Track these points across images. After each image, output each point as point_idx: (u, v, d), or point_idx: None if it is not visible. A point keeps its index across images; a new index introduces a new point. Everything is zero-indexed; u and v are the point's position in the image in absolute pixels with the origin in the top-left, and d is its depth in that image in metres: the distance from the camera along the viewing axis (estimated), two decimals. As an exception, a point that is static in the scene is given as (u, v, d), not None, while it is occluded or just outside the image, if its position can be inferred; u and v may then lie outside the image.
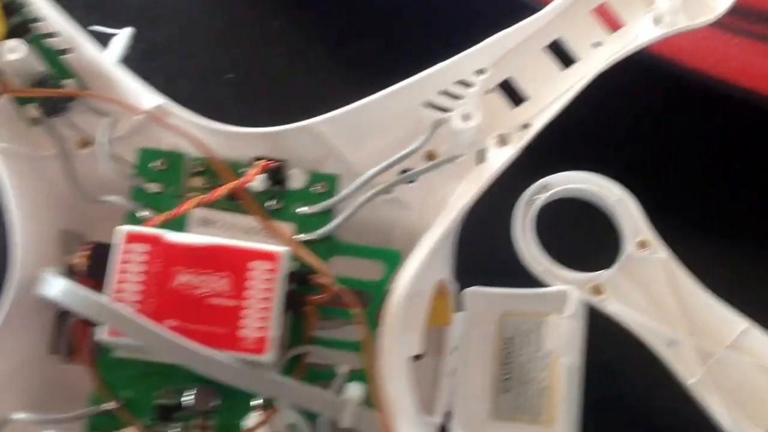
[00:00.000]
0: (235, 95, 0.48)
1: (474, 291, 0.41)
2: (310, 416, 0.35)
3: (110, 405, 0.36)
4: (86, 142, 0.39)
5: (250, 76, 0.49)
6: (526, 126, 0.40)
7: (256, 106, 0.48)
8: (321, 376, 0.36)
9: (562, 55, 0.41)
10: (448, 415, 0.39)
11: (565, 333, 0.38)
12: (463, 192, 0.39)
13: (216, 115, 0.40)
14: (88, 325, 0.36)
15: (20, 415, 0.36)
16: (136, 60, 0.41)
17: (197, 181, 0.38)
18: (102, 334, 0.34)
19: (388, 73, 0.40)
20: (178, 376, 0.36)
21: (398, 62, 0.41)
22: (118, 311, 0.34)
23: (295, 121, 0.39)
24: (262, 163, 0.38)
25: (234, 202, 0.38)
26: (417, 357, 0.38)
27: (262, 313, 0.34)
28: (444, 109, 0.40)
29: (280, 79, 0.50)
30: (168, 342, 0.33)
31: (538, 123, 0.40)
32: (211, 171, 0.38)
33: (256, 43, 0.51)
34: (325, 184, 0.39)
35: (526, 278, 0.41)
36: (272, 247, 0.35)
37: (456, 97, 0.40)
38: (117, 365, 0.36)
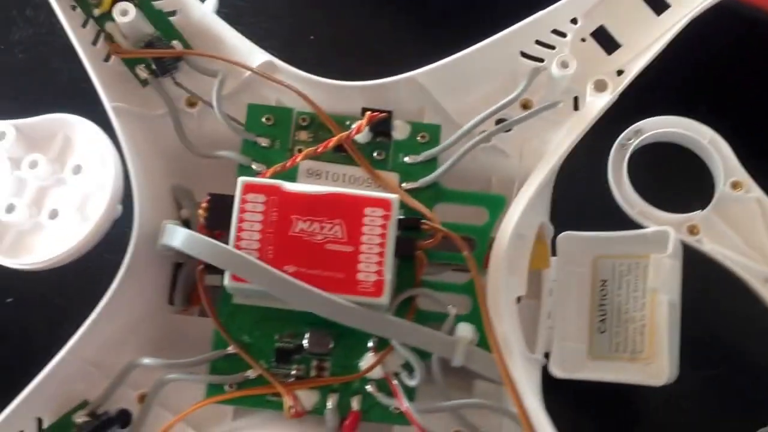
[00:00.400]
0: (319, 55, 0.49)
1: (568, 235, 0.42)
2: (423, 356, 0.37)
3: (231, 349, 0.37)
4: (193, 101, 0.40)
5: (332, 37, 0.50)
6: (620, 72, 0.41)
7: (339, 66, 0.49)
8: (430, 318, 0.38)
9: (655, 2, 0.41)
10: (546, 356, 0.40)
11: (667, 271, 0.39)
12: (562, 138, 0.40)
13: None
14: (205, 273, 0.37)
15: (146, 360, 0.37)
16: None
17: (303, 135, 0.40)
18: (225, 281, 0.35)
19: (467, 31, 0.41)
20: (295, 320, 0.37)
21: (479, 19, 0.41)
22: (242, 257, 0.35)
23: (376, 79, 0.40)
24: (369, 114, 0.38)
25: (339, 154, 0.39)
26: (517, 299, 0.39)
27: (377, 258, 0.36)
28: (539, 59, 0.41)
29: (361, 39, 0.50)
30: (291, 286, 0.35)
31: (633, 69, 0.40)
32: (317, 124, 0.40)
33: (337, 3, 0.51)
34: (427, 134, 0.40)
35: (614, 222, 0.42)
36: (384, 194, 0.36)
37: (551, 46, 0.41)
38: (236, 311, 0.38)
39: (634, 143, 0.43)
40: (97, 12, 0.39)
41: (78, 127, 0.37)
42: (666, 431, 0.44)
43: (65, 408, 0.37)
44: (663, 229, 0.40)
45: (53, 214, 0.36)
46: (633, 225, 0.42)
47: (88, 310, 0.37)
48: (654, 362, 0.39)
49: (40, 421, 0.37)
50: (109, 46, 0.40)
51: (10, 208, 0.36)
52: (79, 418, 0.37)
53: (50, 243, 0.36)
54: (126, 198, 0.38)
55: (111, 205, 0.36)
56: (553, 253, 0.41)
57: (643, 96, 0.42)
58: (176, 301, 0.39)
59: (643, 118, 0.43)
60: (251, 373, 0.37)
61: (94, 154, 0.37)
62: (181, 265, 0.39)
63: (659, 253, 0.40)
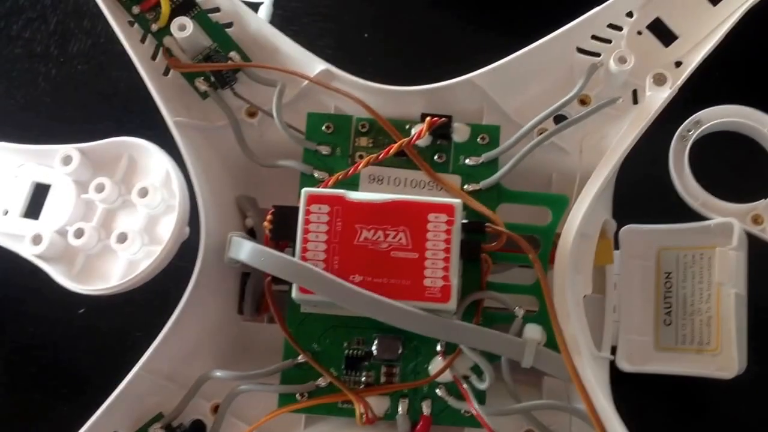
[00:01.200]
0: (373, 53, 0.49)
1: (631, 228, 0.42)
2: (491, 358, 0.37)
3: (302, 358, 0.38)
4: (253, 112, 0.41)
5: (386, 35, 0.50)
6: (678, 64, 0.40)
7: (394, 63, 0.49)
8: (497, 319, 0.38)
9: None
10: (612, 350, 0.40)
11: (733, 264, 0.39)
12: (622, 134, 0.39)
13: (361, 74, 0.41)
14: (273, 283, 0.38)
15: (219, 373, 0.38)
16: (276, 25, 0.42)
17: (363, 141, 0.40)
18: (294, 293, 0.36)
19: (522, 28, 0.41)
20: (363, 327, 0.38)
21: (534, 16, 0.41)
22: (309, 269, 0.35)
23: (432, 77, 0.40)
24: (430, 119, 0.39)
25: (401, 158, 0.39)
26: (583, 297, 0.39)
27: (443, 263, 0.36)
28: (596, 54, 0.41)
29: (415, 35, 0.50)
30: (359, 296, 0.35)
31: (692, 60, 0.40)
32: (376, 129, 0.40)
33: (390, 1, 0.51)
34: (487, 135, 0.40)
35: (677, 214, 0.42)
36: (447, 199, 0.37)
37: (607, 41, 0.41)
38: (305, 320, 0.38)
39: (695, 134, 0.42)
40: (154, 27, 0.40)
41: (142, 149, 0.38)
42: (732, 422, 0.44)
43: (141, 421, 0.38)
44: (727, 220, 0.40)
45: (122, 238, 0.36)
46: (696, 217, 0.42)
47: (159, 319, 0.38)
48: (722, 354, 0.39)
49: (117, 435, 0.38)
50: (167, 61, 0.40)
51: (78, 233, 0.36)
52: (155, 431, 0.38)
53: (120, 267, 0.37)
54: (192, 208, 0.38)
55: (179, 227, 0.36)
56: (616, 247, 0.41)
57: (702, 86, 0.41)
58: (246, 310, 0.40)
59: (702, 109, 0.43)
60: (322, 381, 0.37)
61: (159, 176, 0.37)
62: (248, 274, 0.40)
63: (724, 245, 0.40)
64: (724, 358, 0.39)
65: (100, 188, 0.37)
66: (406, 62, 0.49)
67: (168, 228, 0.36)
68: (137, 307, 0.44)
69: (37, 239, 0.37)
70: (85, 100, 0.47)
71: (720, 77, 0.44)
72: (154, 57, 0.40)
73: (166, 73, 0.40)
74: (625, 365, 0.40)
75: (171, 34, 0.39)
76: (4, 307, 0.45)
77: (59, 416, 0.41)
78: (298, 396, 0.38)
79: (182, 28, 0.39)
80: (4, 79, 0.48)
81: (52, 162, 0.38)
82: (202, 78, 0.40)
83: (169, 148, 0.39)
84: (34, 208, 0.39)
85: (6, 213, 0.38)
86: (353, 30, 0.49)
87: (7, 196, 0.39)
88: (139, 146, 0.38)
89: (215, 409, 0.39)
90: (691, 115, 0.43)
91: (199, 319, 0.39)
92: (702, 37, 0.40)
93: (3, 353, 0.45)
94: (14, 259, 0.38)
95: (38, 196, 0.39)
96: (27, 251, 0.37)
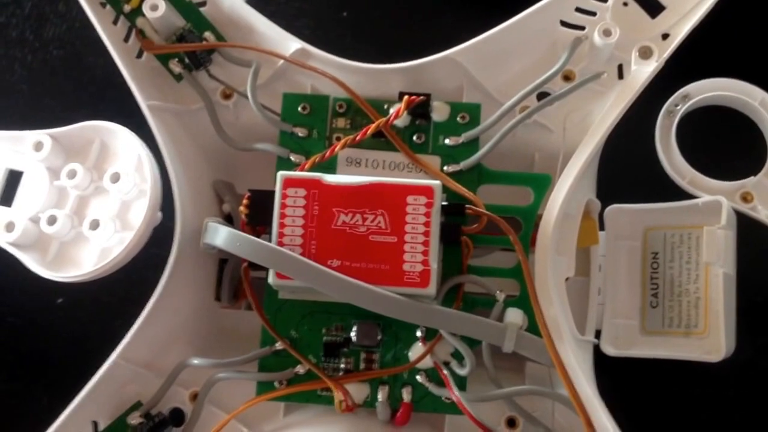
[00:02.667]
0: (352, 33, 0.48)
1: (616, 208, 0.41)
2: (472, 343, 0.36)
3: (280, 345, 0.37)
4: (228, 93, 0.40)
5: (365, 14, 0.49)
6: (665, 36, 0.39)
7: (374, 43, 0.48)
8: (478, 303, 0.37)
9: (698, -39, 0.40)
10: (597, 335, 0.40)
11: (721, 243, 0.38)
12: (607, 110, 0.38)
13: (340, 55, 0.40)
14: (250, 269, 0.37)
15: (196, 361, 0.37)
16: (253, 6, 0.41)
17: (341, 122, 0.39)
18: (270, 278, 0.35)
19: (503, 3, 0.40)
20: (342, 313, 0.37)
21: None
22: (286, 254, 0.35)
23: (410, 57, 0.39)
24: (408, 98, 0.38)
25: (378, 140, 0.38)
26: (565, 280, 0.38)
27: (422, 247, 0.35)
28: (580, 27, 0.40)
29: (395, 15, 0.49)
30: (337, 281, 0.34)
31: (679, 32, 0.39)
32: (354, 110, 0.39)
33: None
34: (467, 114, 0.39)
35: (664, 192, 0.41)
36: (427, 180, 0.36)
37: (592, 13, 0.40)
38: (282, 306, 0.37)
39: (682, 109, 0.41)
40: (127, 8, 0.39)
41: (113, 133, 0.37)
42: (721, 400, 0.43)
43: (120, 410, 0.38)
44: (715, 198, 0.39)
45: (94, 225, 0.35)
46: (683, 195, 0.41)
47: (137, 307, 0.37)
48: (709, 337, 0.38)
49: (95, 424, 0.37)
50: (140, 42, 0.39)
51: (51, 220, 0.36)
52: (134, 419, 0.37)
53: (93, 254, 0.36)
54: (167, 194, 0.37)
55: (151, 213, 0.35)
56: (601, 228, 0.41)
57: (690, 59, 0.40)
58: (223, 297, 0.39)
59: (691, 82, 0.42)
60: (300, 369, 0.37)
61: (131, 161, 0.37)
62: (226, 261, 0.39)
63: (712, 224, 0.39)
64: (712, 341, 0.38)
65: (72, 174, 0.36)
66: (385, 42, 0.48)
67: (140, 213, 0.36)
68: (116, 297, 0.43)
69: (10, 227, 0.36)
70: (61, 86, 0.47)
71: (709, 49, 0.43)
72: (126, 39, 0.39)
73: (139, 55, 0.39)
74: (610, 349, 0.39)
75: (143, 15, 0.39)
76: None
77: (38, 406, 0.41)
78: (276, 383, 0.37)
79: (154, 8, 0.38)
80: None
81: (24, 148, 0.37)
82: (176, 60, 0.39)
83: (146, 134, 0.38)
84: (7, 196, 0.38)
85: (-22, 200, 0.38)
86: (331, 9, 0.48)
87: (-20, 184, 0.38)
88: (111, 131, 0.37)
89: (194, 397, 0.38)
90: (678, 90, 0.42)
91: (176, 306, 0.38)
92: (690, 8, 0.39)
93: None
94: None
95: (11, 182, 0.38)
96: (0, 239, 0.36)
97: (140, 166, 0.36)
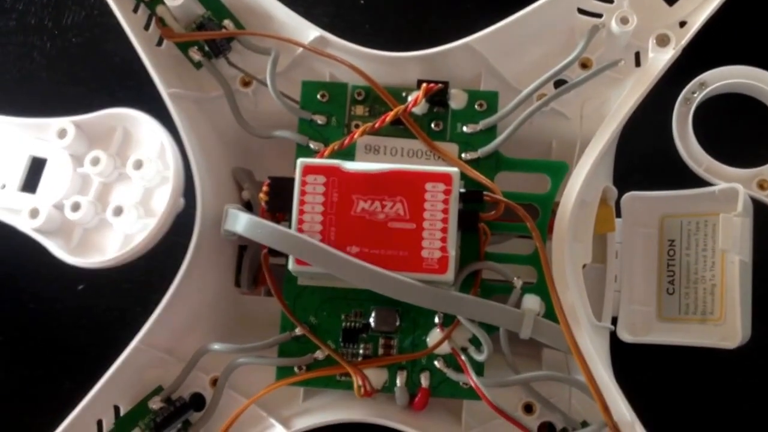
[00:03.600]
0: (370, 20, 0.48)
1: (633, 195, 0.41)
2: (490, 329, 0.36)
3: (298, 331, 0.37)
4: (247, 81, 0.40)
5: (382, 2, 0.49)
6: (683, 24, 0.39)
7: (392, 30, 0.48)
8: (495, 290, 0.37)
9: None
10: (613, 321, 0.40)
11: (738, 230, 0.38)
12: (624, 97, 0.39)
13: (358, 43, 0.40)
14: (270, 256, 0.37)
15: (216, 346, 0.38)
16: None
17: (359, 109, 0.39)
18: (290, 265, 0.35)
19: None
20: (360, 299, 0.38)
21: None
22: (305, 241, 0.35)
23: (427, 46, 0.39)
24: (426, 85, 0.38)
25: (396, 127, 0.39)
26: (582, 266, 0.39)
27: (440, 234, 0.35)
28: (597, 15, 0.40)
29: (409, 4, 0.49)
30: (356, 268, 0.35)
31: (697, 20, 0.39)
32: (372, 97, 0.39)
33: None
34: (484, 102, 0.39)
35: (680, 180, 0.41)
36: (444, 168, 0.36)
37: (609, 1, 0.40)
38: (302, 293, 0.38)
39: (699, 96, 0.42)
40: (147, -4, 0.39)
41: (136, 120, 0.37)
42: (737, 386, 0.43)
43: (141, 394, 0.38)
44: (732, 186, 0.39)
45: (117, 211, 0.36)
46: (700, 182, 0.41)
47: (156, 294, 0.38)
48: (725, 324, 0.39)
49: (117, 408, 0.38)
50: (160, 30, 0.39)
51: (75, 207, 0.36)
52: (155, 404, 0.38)
53: (116, 240, 0.36)
54: (188, 181, 0.38)
55: (174, 199, 0.36)
56: (618, 215, 0.41)
57: (706, 46, 0.40)
58: (242, 283, 0.40)
59: (707, 70, 0.42)
60: (320, 354, 0.37)
61: (154, 148, 0.37)
62: (245, 247, 0.40)
63: (729, 211, 0.39)
64: (728, 328, 0.38)
65: (95, 161, 0.37)
66: (403, 30, 0.48)
67: (163, 200, 0.36)
68: (135, 284, 0.44)
69: (34, 213, 0.37)
70: (79, 73, 0.47)
71: (725, 37, 0.43)
72: (146, 27, 0.39)
73: (159, 43, 0.40)
74: (626, 336, 0.39)
75: (164, 3, 0.39)
76: (3, 285, 0.45)
77: (60, 392, 0.41)
78: (296, 369, 0.37)
79: (174, -4, 0.39)
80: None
81: (48, 135, 0.38)
82: (196, 47, 0.39)
83: (164, 122, 0.38)
84: (31, 182, 0.38)
85: (3, 187, 0.38)
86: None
87: (4, 171, 0.39)
88: (134, 118, 0.37)
89: (214, 382, 0.38)
90: (695, 77, 0.42)
91: (196, 292, 0.38)
92: (707, -5, 0.39)
93: (4, 330, 0.45)
94: (14, 237, 0.38)
95: (35, 170, 0.39)
96: (25, 225, 0.37)
97: (163, 153, 0.36)
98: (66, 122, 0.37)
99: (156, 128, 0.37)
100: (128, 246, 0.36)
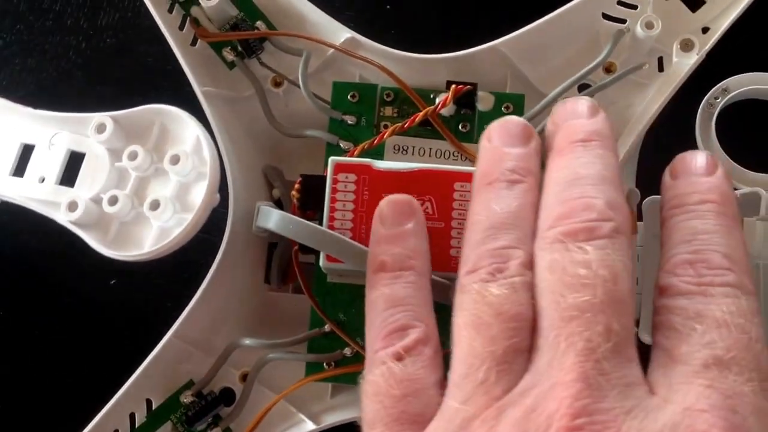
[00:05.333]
0: (398, 25, 0.49)
1: (655, 199, 0.41)
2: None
3: (328, 327, 0.38)
4: (279, 81, 0.41)
5: (409, 5, 0.49)
6: (706, 30, 0.40)
7: (418, 34, 0.49)
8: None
9: (741, -44, 0.40)
10: (635, 323, 0.40)
11: (760, 234, 0.39)
12: (647, 102, 0.39)
13: (384, 45, 0.41)
14: (300, 253, 0.38)
15: (247, 341, 0.38)
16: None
17: (388, 110, 0.40)
18: (321, 262, 0.36)
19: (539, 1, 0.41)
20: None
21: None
22: (337, 237, 0.35)
23: (452, 49, 0.40)
24: (455, 87, 0.39)
25: (425, 128, 0.39)
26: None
27: (469, 233, 0.36)
28: (621, 20, 0.40)
29: (439, 5, 0.50)
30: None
31: (720, 26, 0.40)
32: (401, 99, 0.40)
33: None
34: (511, 104, 0.40)
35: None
36: (472, 168, 0.36)
37: (633, 6, 0.40)
38: (331, 290, 0.38)
39: (722, 102, 0.42)
40: (182, -3, 0.40)
41: (173, 116, 0.38)
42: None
43: (172, 389, 0.39)
44: (754, 190, 0.39)
45: (154, 205, 0.36)
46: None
47: (188, 290, 0.38)
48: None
49: (149, 402, 0.38)
50: (195, 31, 0.40)
51: (113, 200, 0.37)
52: (186, 398, 0.38)
53: (152, 234, 0.37)
54: (220, 178, 0.38)
55: (210, 194, 0.36)
56: (639, 218, 0.41)
57: (730, 52, 0.41)
58: (272, 280, 0.40)
59: (730, 76, 0.43)
60: (348, 351, 0.38)
61: (190, 144, 0.37)
62: (275, 244, 0.40)
63: (751, 215, 0.39)
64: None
65: (133, 156, 0.37)
66: (429, 34, 0.48)
67: (199, 195, 0.37)
68: (167, 279, 0.44)
69: (72, 206, 0.37)
70: (114, 73, 0.48)
71: (748, 43, 0.44)
72: (181, 27, 0.40)
73: (193, 43, 0.40)
74: (647, 338, 0.40)
75: (198, 4, 0.40)
76: (39, 280, 0.46)
77: (93, 385, 0.42)
78: (325, 365, 0.38)
79: (208, -3, 0.39)
80: (37, 52, 0.48)
81: (86, 130, 0.38)
82: (230, 47, 0.40)
83: (198, 120, 0.39)
84: (69, 176, 0.39)
85: (42, 180, 0.39)
86: (375, 2, 0.49)
87: (43, 164, 0.39)
88: (171, 113, 0.38)
89: (244, 377, 0.39)
90: (718, 83, 0.42)
91: (227, 288, 0.39)
92: (730, 2, 0.40)
93: (39, 323, 0.45)
94: (49, 233, 0.39)
95: (73, 164, 0.39)
96: (63, 218, 0.37)
97: (199, 148, 0.37)
98: (105, 117, 0.38)
99: (192, 124, 0.37)
100: (165, 240, 0.36)
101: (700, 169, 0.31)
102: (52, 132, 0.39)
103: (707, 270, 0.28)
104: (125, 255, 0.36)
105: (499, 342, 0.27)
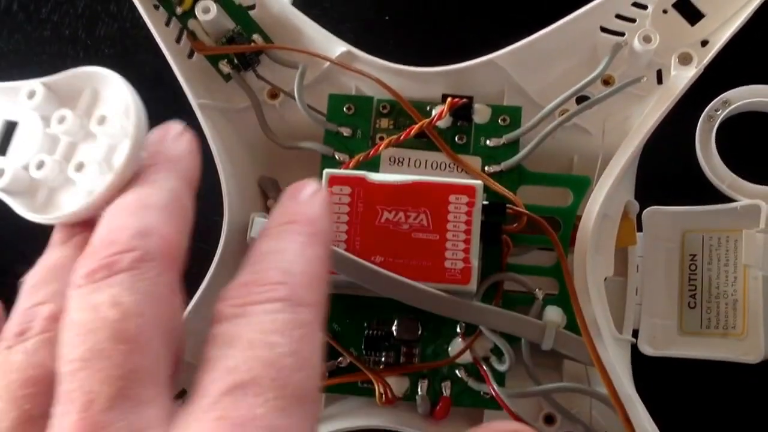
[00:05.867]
0: (396, 37, 0.49)
1: (655, 210, 0.41)
2: (512, 340, 0.37)
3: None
4: (274, 93, 0.41)
5: (408, 18, 0.49)
6: (705, 43, 0.40)
7: (416, 47, 0.49)
8: (517, 301, 0.38)
9: (739, -32, 0.40)
10: (635, 334, 0.40)
11: (761, 246, 0.38)
12: (646, 115, 0.39)
13: (383, 58, 0.40)
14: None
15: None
16: (299, 8, 0.42)
17: (384, 122, 0.40)
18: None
19: (544, 8, 0.41)
20: (383, 308, 0.38)
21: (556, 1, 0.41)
22: (332, 249, 0.35)
23: (450, 61, 0.40)
24: (451, 100, 0.38)
25: (421, 140, 0.39)
26: (604, 279, 0.39)
27: (463, 245, 0.36)
28: (620, 33, 0.40)
29: (437, 18, 0.50)
30: (380, 277, 0.35)
31: (719, 39, 0.39)
32: (397, 111, 0.40)
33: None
34: (508, 117, 0.40)
35: (703, 196, 0.42)
36: (468, 180, 0.37)
37: (631, 20, 0.40)
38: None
39: (722, 114, 0.42)
40: (179, 10, 0.40)
41: (105, 79, 0.36)
42: (759, 402, 0.43)
43: (167, 399, 0.38)
44: (754, 202, 0.39)
45: (79, 167, 0.35)
46: (722, 199, 0.41)
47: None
48: (748, 339, 0.39)
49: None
50: (192, 44, 0.40)
51: (39, 165, 0.36)
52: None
53: (80, 197, 0.36)
54: (215, 190, 0.39)
55: (133, 153, 0.35)
56: (639, 229, 0.41)
57: (730, 65, 0.41)
58: (267, 290, 0.40)
59: (731, 88, 0.42)
60: (342, 361, 0.38)
61: (120, 106, 0.36)
62: (270, 256, 0.40)
63: (751, 227, 0.39)
64: (750, 343, 0.39)
65: (61, 119, 0.36)
66: (427, 45, 0.48)
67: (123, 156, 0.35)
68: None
69: (0, 173, 0.36)
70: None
71: (748, 56, 0.44)
72: (178, 40, 0.40)
73: (190, 56, 0.40)
74: (648, 349, 0.40)
75: (195, 17, 0.40)
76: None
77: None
78: (318, 375, 0.38)
79: (206, 10, 0.39)
80: (33, 63, 0.48)
81: (20, 98, 0.38)
82: (226, 60, 0.40)
83: (194, 132, 0.39)
84: (4, 146, 0.38)
85: (-22, 151, 0.38)
86: (374, 14, 0.49)
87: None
88: (103, 77, 0.36)
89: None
90: (717, 96, 0.42)
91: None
92: (729, 16, 0.40)
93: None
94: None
95: (9, 133, 0.39)
96: (-8, 186, 0.37)
97: (127, 109, 0.36)
98: (35, 83, 0.36)
99: (122, 86, 0.36)
100: (86, 200, 0.33)
101: (292, 194, 0.28)
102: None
103: (256, 288, 0.25)
104: (46, 218, 0.35)
105: (7, 414, 0.24)
